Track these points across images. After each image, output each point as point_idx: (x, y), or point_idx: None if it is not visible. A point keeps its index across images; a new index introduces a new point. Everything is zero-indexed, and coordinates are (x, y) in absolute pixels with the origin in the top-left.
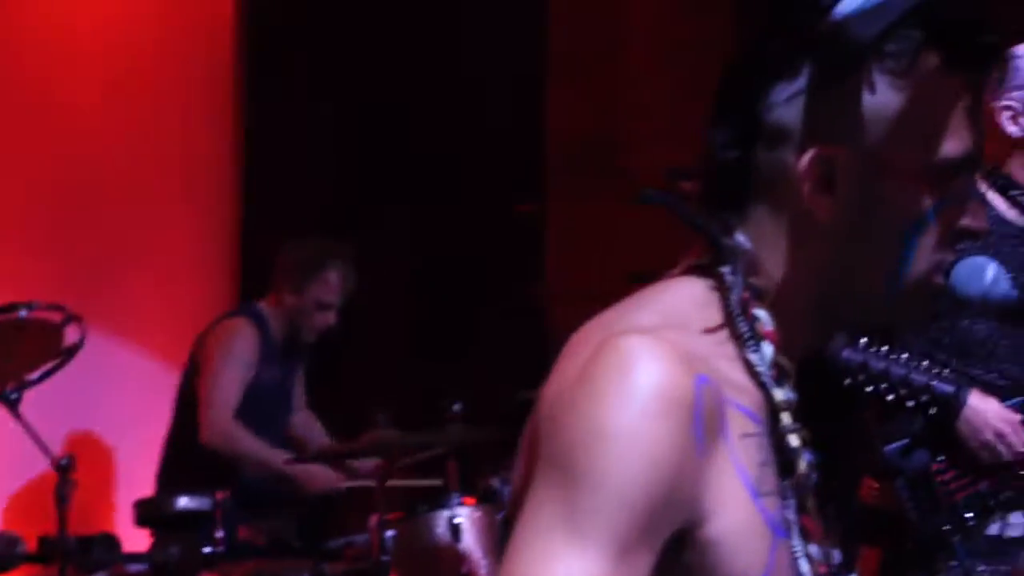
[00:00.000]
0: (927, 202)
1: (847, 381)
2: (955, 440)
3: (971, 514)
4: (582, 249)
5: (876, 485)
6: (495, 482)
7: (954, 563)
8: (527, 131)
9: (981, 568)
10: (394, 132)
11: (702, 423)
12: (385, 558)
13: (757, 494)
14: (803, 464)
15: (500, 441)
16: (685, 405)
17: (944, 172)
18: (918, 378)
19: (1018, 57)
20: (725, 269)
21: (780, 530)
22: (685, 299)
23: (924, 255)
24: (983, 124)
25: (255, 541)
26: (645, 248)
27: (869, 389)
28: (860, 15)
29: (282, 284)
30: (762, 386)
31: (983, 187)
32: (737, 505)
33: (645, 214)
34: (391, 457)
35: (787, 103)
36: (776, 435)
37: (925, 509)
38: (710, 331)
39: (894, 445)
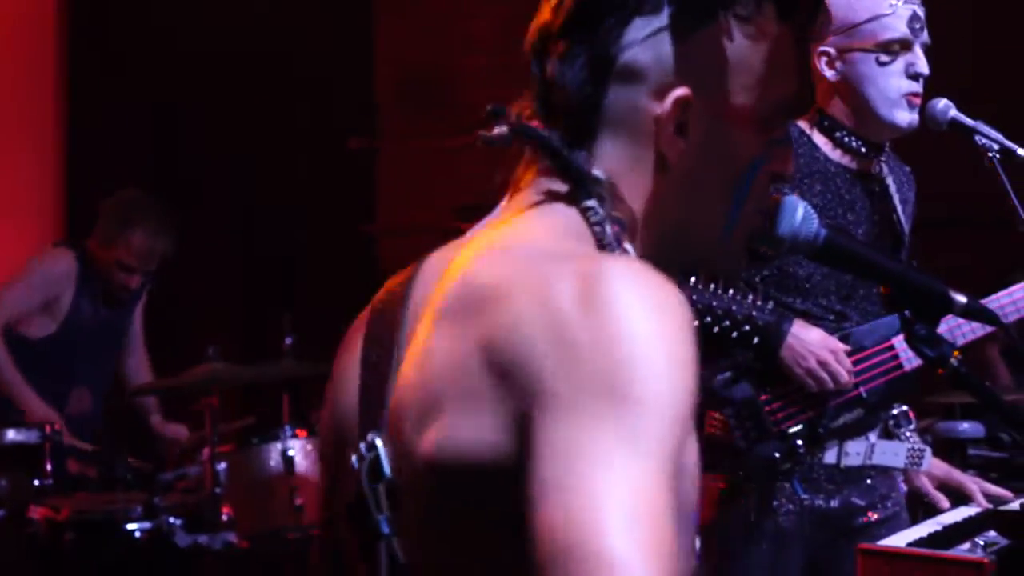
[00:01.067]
0: (759, 146)
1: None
2: (779, 369)
3: (800, 442)
4: (412, 183)
5: (718, 416)
6: None
7: (793, 491)
8: (357, 67)
9: (819, 497)
10: (222, 72)
11: None
12: (218, 490)
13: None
14: None
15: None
16: (691, 322)
17: (775, 115)
18: (741, 310)
19: (832, 3)
20: (590, 202)
21: None
22: (563, 228)
23: (753, 198)
24: (803, 70)
25: (86, 474)
26: (474, 183)
27: (695, 323)
28: None
29: (95, 233)
30: None
31: (807, 127)
32: (693, 434)
33: (475, 150)
34: (221, 390)
35: (643, 43)
36: None
37: (753, 438)
38: None
39: (720, 376)
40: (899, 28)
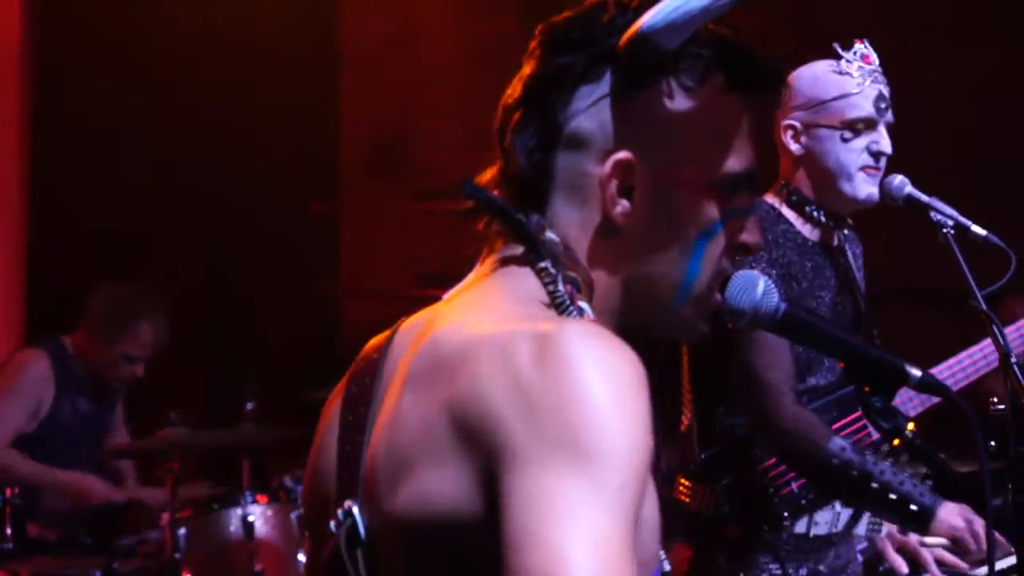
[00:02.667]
0: (714, 214)
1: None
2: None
3: (785, 513)
4: (375, 248)
5: (687, 483)
6: (287, 480)
7: (768, 561)
8: (321, 131)
9: (790, 567)
10: (187, 133)
11: None
12: (178, 556)
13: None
14: None
15: (292, 440)
16: (644, 380)
17: (728, 186)
18: (900, 489)
19: (799, 79)
20: (545, 263)
21: None
22: (522, 291)
23: (709, 265)
24: (755, 143)
25: (46, 537)
26: (437, 249)
27: (874, 486)
28: (662, 28)
29: (91, 329)
30: None
31: (777, 202)
32: (651, 488)
33: (437, 215)
34: (183, 455)
35: (587, 111)
36: None
37: (739, 508)
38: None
39: (710, 450)
40: (865, 107)
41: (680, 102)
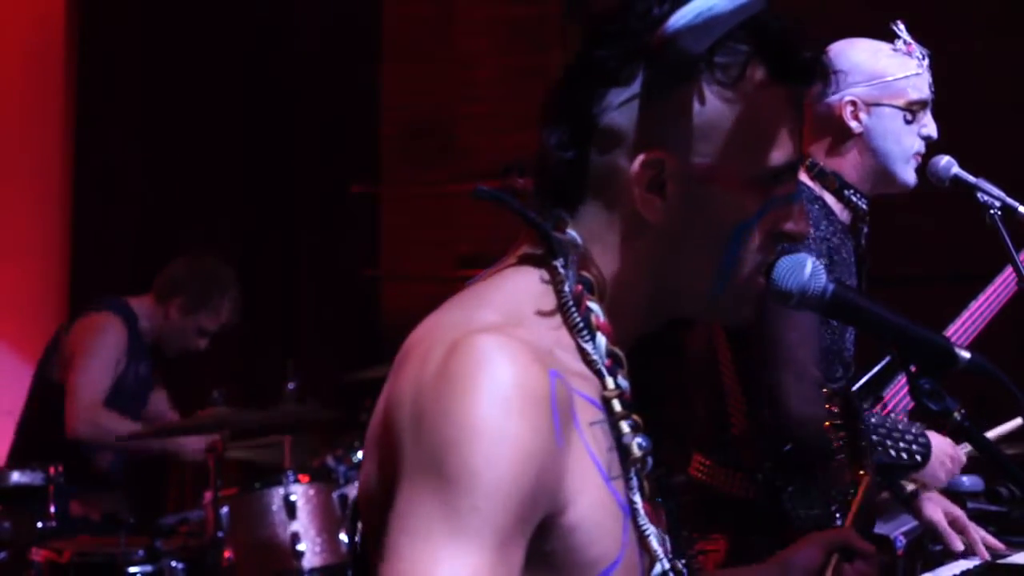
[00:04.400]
0: (752, 207)
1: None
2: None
3: (839, 513)
4: (415, 230)
5: (707, 461)
6: (329, 460)
7: None
8: (362, 114)
9: None
10: (227, 114)
11: (558, 415)
12: (220, 534)
13: (608, 478)
14: (636, 449)
15: (334, 420)
16: (543, 399)
17: (769, 180)
18: (903, 434)
19: (855, 53)
20: (557, 262)
21: (629, 511)
22: (522, 291)
23: (748, 257)
24: (803, 133)
25: (89, 516)
26: (476, 231)
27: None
28: (692, 27)
29: (170, 297)
30: (598, 374)
31: (819, 188)
32: (593, 490)
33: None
34: (226, 434)
35: (620, 108)
36: (612, 423)
37: (804, 507)
38: (547, 319)
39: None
40: (924, 90)
41: (714, 100)
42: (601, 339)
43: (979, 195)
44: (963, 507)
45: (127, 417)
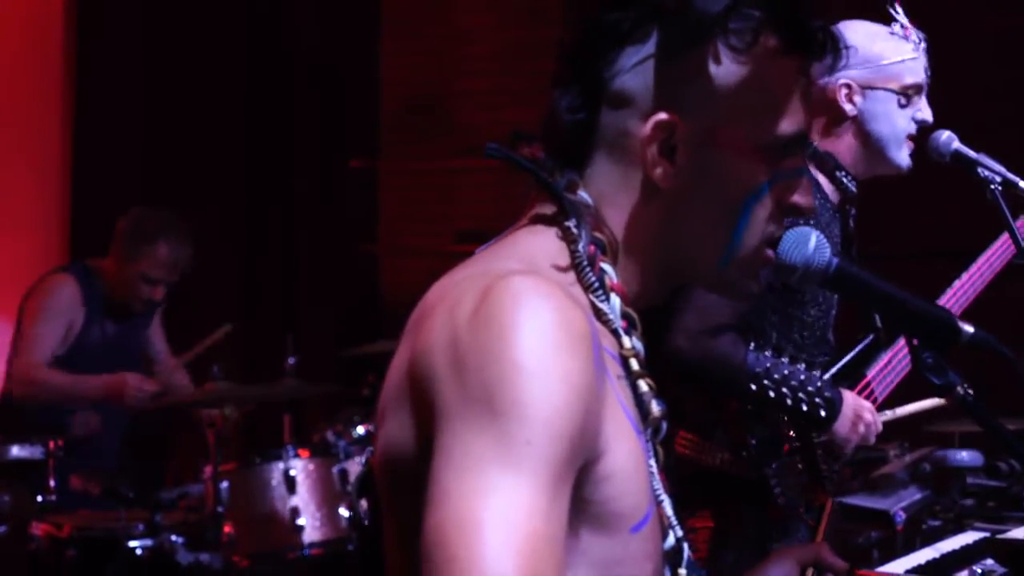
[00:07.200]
0: (761, 176)
1: (752, 386)
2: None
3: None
4: (414, 205)
5: (693, 438)
6: (329, 435)
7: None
8: (362, 89)
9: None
10: (228, 91)
11: (598, 356)
12: (220, 509)
13: (639, 431)
14: (656, 408)
15: (334, 395)
16: (584, 337)
17: (778, 149)
18: (810, 383)
19: (851, 35)
20: (570, 222)
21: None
22: (537, 249)
23: (756, 227)
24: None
25: (89, 490)
26: (475, 207)
27: (772, 394)
28: None
29: (113, 250)
30: (614, 333)
31: (812, 166)
32: (627, 440)
33: (476, 172)
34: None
35: (633, 69)
36: (631, 381)
37: (791, 490)
38: (563, 275)
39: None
40: (920, 74)
41: (728, 64)
42: (616, 299)
43: (980, 170)
44: (962, 484)
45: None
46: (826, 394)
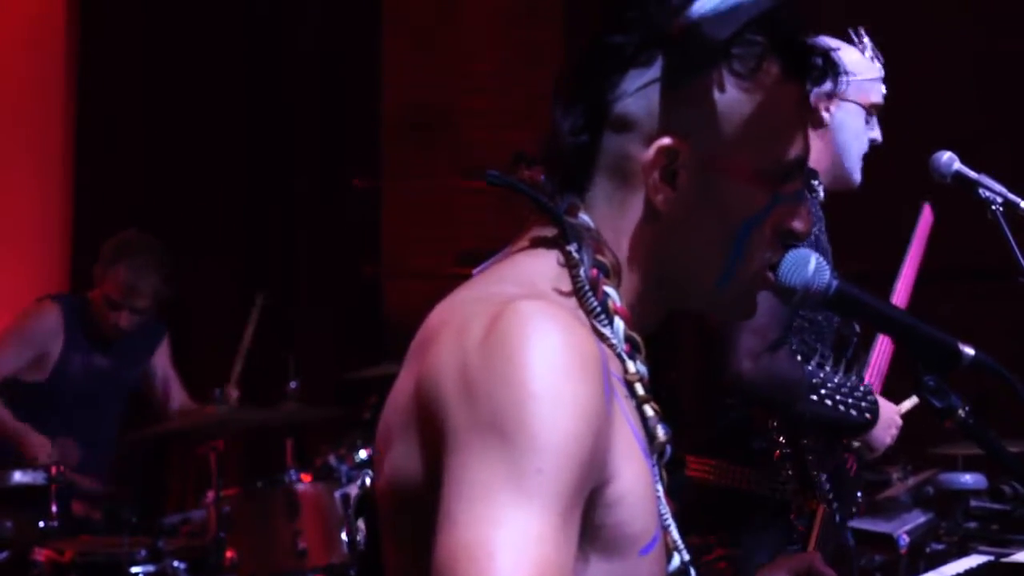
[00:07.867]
0: (760, 202)
1: (813, 397)
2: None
3: (836, 504)
4: (416, 226)
5: (712, 462)
6: (331, 459)
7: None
8: (363, 108)
9: None
10: (229, 109)
11: (607, 382)
12: (222, 534)
13: (648, 454)
14: (661, 433)
15: (336, 419)
16: (596, 361)
17: (779, 174)
18: (856, 392)
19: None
20: (571, 246)
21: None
22: (538, 273)
23: (754, 253)
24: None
25: (90, 516)
26: (478, 228)
27: (828, 403)
28: (712, 17)
29: (94, 275)
30: (619, 357)
31: None
32: (636, 464)
33: (479, 193)
34: (228, 433)
35: (636, 94)
36: (636, 405)
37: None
38: (565, 300)
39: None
40: (880, 97)
41: (732, 90)
42: (619, 323)
43: (981, 191)
44: (965, 506)
45: (91, 413)
46: (869, 399)
